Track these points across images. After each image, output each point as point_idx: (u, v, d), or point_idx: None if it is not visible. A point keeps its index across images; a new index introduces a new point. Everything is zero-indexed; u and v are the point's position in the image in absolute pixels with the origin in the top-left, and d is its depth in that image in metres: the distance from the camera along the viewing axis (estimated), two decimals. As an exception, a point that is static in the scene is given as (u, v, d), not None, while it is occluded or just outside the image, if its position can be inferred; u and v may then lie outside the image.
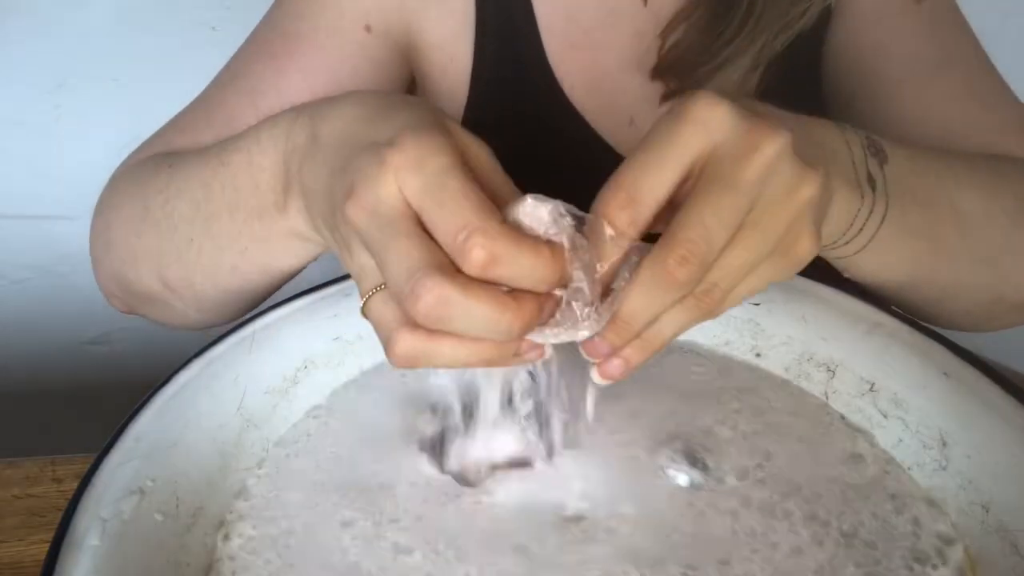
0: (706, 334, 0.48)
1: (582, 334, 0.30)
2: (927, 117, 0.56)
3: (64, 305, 1.21)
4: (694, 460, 0.39)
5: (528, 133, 0.64)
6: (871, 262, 0.42)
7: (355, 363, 0.45)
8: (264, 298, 0.50)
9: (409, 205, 0.30)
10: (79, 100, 1.10)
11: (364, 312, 0.31)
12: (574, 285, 0.29)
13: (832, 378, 0.44)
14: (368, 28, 0.59)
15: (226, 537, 0.35)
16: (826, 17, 0.62)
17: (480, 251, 0.28)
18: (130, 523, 0.32)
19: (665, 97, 0.62)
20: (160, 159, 0.52)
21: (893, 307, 0.45)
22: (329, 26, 0.59)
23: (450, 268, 0.29)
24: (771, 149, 0.30)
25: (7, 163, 1.13)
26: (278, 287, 0.48)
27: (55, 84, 1.09)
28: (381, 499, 0.37)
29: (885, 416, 0.42)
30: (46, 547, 0.30)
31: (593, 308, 0.30)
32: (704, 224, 0.29)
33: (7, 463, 0.49)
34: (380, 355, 0.45)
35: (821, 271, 0.48)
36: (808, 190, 0.30)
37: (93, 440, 0.36)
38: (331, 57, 0.58)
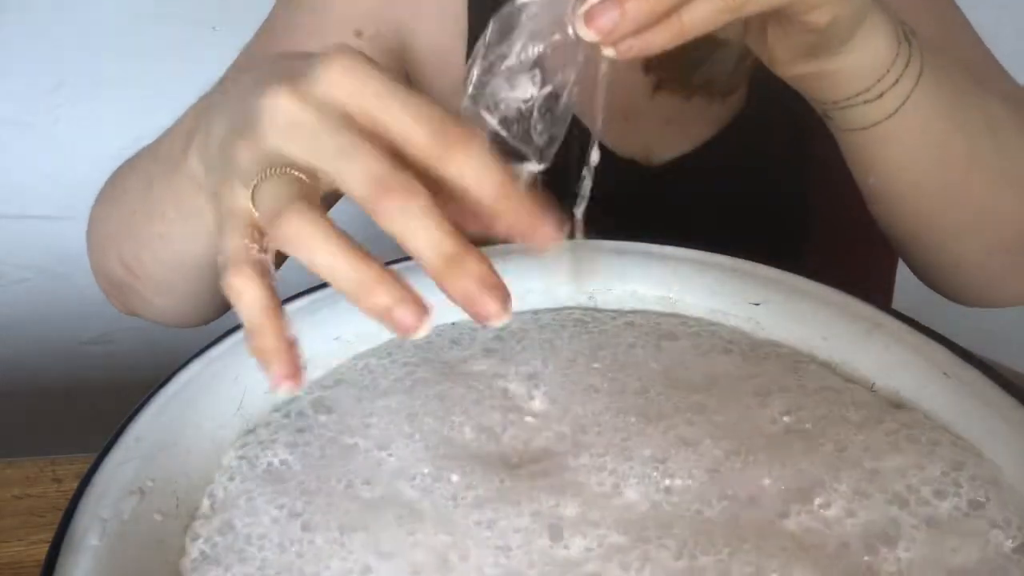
0: (706, 334, 0.48)
1: None
2: None
3: (64, 305, 1.21)
4: None
5: None
6: (900, 141, 0.42)
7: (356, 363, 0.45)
8: (212, 283, 0.51)
9: (355, 109, 0.29)
10: (79, 100, 1.10)
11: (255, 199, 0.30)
12: None
13: (832, 378, 0.44)
14: (358, 33, 0.60)
15: (223, 535, 0.35)
16: None
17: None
18: (130, 523, 0.32)
19: (657, 87, 0.63)
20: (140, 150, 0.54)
21: (894, 308, 0.45)
22: (319, 32, 0.60)
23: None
24: None
25: (7, 163, 1.13)
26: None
27: (55, 84, 1.09)
28: (380, 499, 0.37)
29: (885, 416, 0.42)
30: (46, 547, 0.30)
31: None
32: None
33: (7, 463, 0.49)
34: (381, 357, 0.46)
35: (821, 271, 0.49)
36: None
37: (93, 440, 0.36)
38: None
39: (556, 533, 0.34)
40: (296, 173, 0.30)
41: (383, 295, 0.28)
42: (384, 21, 0.61)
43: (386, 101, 0.29)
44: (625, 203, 0.54)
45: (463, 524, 0.34)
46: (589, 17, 0.30)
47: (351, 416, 0.41)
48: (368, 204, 0.28)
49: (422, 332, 0.28)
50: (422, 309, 0.28)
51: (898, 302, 0.58)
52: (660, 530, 0.34)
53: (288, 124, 0.29)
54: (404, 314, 0.28)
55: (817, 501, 0.35)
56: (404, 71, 0.64)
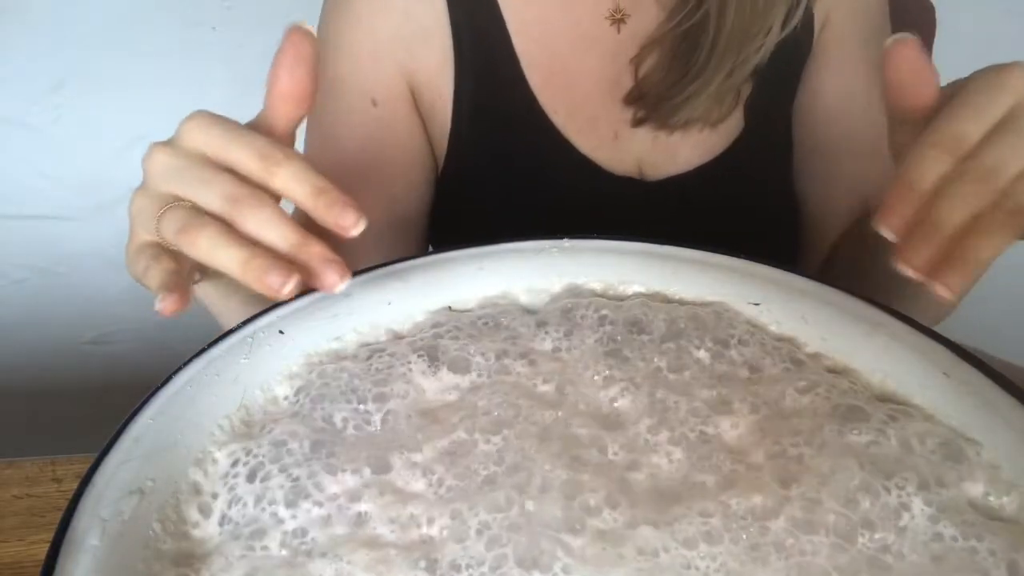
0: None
1: None
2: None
3: (64, 305, 1.21)
4: None
5: (512, 157, 0.66)
6: None
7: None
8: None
9: (207, 149, 0.39)
10: (79, 100, 1.11)
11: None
12: None
13: (832, 378, 0.44)
14: (375, 102, 0.64)
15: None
16: (803, 59, 0.65)
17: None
18: (130, 523, 0.33)
19: (636, 123, 0.64)
20: None
21: (894, 308, 0.45)
22: (343, 107, 0.64)
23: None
24: None
25: (7, 163, 1.13)
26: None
27: (55, 84, 1.09)
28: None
29: (885, 416, 0.42)
30: (46, 547, 0.30)
31: None
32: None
33: (7, 463, 0.50)
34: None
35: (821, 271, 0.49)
36: None
37: (93, 440, 0.36)
38: (343, 132, 0.64)
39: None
40: (184, 203, 0.39)
41: (256, 267, 0.36)
42: (394, 79, 0.64)
43: (226, 139, 0.38)
44: (623, 218, 0.55)
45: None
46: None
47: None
48: (226, 216, 0.37)
49: (288, 288, 0.36)
50: (288, 272, 0.36)
51: (898, 302, 0.58)
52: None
53: (163, 169, 0.39)
54: (273, 278, 0.36)
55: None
56: (419, 115, 0.67)
